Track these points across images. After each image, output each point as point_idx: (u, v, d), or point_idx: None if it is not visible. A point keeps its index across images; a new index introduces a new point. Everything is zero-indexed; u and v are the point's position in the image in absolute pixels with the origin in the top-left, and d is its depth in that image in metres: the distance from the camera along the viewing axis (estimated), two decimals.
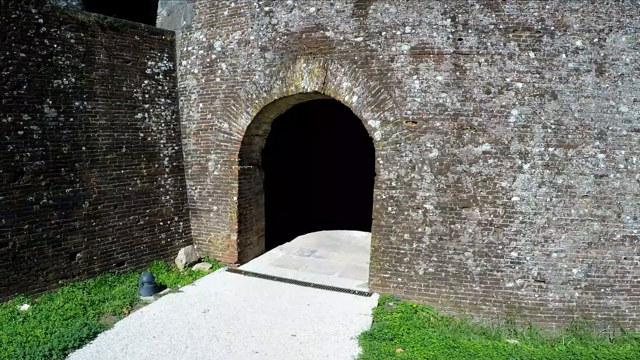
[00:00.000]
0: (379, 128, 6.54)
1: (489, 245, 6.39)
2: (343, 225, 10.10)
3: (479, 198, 6.35)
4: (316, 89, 6.81)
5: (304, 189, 12.48)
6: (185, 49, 8.43)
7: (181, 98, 8.55)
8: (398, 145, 6.48)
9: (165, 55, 8.46)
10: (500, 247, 6.35)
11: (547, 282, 6.28)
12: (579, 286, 6.25)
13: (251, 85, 7.45)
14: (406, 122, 6.46)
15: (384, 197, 6.59)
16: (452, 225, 6.46)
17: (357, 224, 9.77)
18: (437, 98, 6.38)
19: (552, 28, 6.09)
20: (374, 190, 6.69)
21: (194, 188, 8.41)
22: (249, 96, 7.46)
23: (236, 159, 7.61)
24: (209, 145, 8.11)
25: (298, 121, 11.00)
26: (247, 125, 7.46)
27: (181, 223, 8.46)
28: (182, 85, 8.52)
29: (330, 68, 6.75)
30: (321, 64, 6.80)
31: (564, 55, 6.11)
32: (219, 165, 7.93)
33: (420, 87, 6.41)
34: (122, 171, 7.43)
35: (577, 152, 6.16)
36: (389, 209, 6.60)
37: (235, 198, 7.69)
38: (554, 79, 6.13)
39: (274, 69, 7.24)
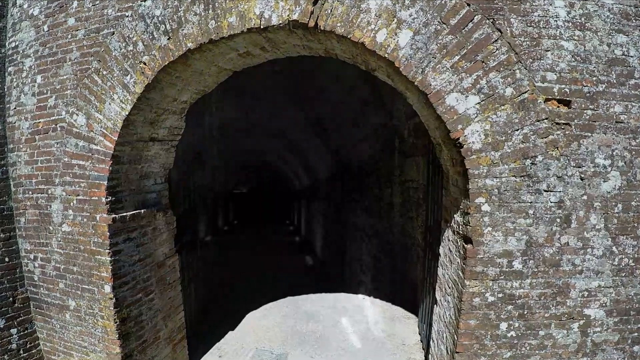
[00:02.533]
0: (475, 116, 2.21)
1: None
2: None
3: None
4: (295, 18, 2.32)
5: None
6: None
7: (9, 69, 3.76)
8: (530, 162, 2.20)
9: None
10: None
11: None
12: None
13: (134, 24, 2.80)
14: (546, 101, 2.21)
15: (490, 298, 2.28)
16: (635, 347, 2.36)
17: None
18: (609, 46, 2.22)
19: None
20: (463, 275, 2.35)
21: (32, 257, 3.57)
22: (130, 48, 2.80)
23: (103, 198, 2.90)
24: (51, 166, 3.32)
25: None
26: (124, 115, 2.79)
27: (14, 331, 3.63)
28: (13, 44, 3.70)
29: None
30: None
31: None
32: (70, 212, 3.16)
33: (568, 15, 2.21)
34: None
35: None
36: (503, 327, 2.31)
37: (107, 287, 2.98)
38: None
39: None
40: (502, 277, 2.25)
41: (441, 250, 2.83)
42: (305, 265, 11.58)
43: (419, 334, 4.18)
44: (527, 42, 2.24)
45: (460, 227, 2.34)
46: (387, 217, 6.34)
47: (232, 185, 23.80)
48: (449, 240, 2.63)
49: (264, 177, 27.03)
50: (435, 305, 2.97)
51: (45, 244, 3.43)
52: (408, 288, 5.10)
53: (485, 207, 2.18)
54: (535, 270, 2.27)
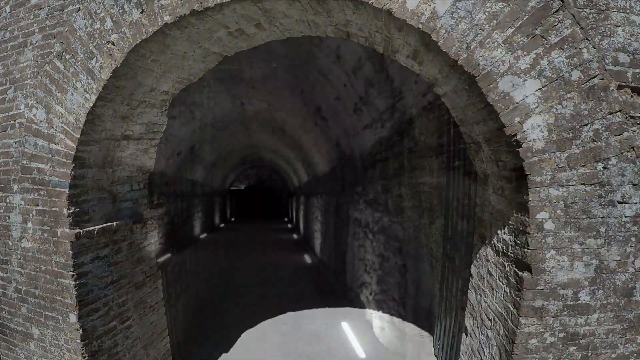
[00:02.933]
0: (536, 106, 1.69)
1: None
2: None
3: None
4: None
5: None
6: None
7: None
8: (602, 165, 1.69)
9: None
10: None
11: None
12: None
13: None
14: (618, 88, 1.69)
15: (550, 339, 1.77)
16: None
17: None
18: None
19: None
20: (517, 311, 1.83)
21: None
22: (97, 26, 2.25)
23: (64, 209, 2.36)
24: (9, 169, 2.77)
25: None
26: (88, 107, 2.25)
27: None
28: None
29: None
30: None
31: None
32: (29, 225, 2.62)
33: None
34: None
35: None
36: None
37: (72, 316, 2.45)
38: None
39: None
40: (566, 312, 1.74)
41: (474, 271, 2.32)
42: (304, 265, 11.08)
43: (435, 356, 3.69)
44: (594, 15, 1.73)
45: (510, 248, 1.83)
46: (396, 210, 5.80)
47: (230, 182, 23.25)
48: (487, 260, 2.12)
49: (263, 174, 26.53)
50: (464, 335, 2.47)
51: (5, 262, 2.90)
52: (421, 296, 4.61)
53: (549, 225, 1.67)
54: (605, 302, 1.77)
